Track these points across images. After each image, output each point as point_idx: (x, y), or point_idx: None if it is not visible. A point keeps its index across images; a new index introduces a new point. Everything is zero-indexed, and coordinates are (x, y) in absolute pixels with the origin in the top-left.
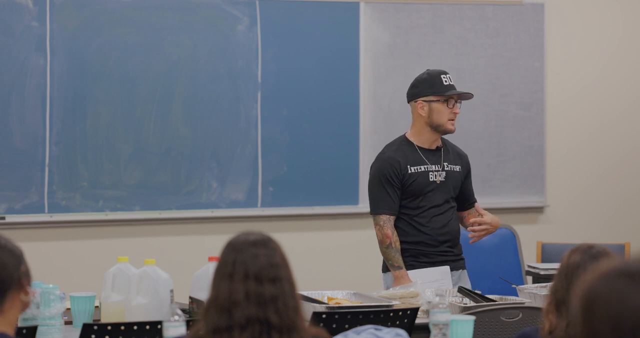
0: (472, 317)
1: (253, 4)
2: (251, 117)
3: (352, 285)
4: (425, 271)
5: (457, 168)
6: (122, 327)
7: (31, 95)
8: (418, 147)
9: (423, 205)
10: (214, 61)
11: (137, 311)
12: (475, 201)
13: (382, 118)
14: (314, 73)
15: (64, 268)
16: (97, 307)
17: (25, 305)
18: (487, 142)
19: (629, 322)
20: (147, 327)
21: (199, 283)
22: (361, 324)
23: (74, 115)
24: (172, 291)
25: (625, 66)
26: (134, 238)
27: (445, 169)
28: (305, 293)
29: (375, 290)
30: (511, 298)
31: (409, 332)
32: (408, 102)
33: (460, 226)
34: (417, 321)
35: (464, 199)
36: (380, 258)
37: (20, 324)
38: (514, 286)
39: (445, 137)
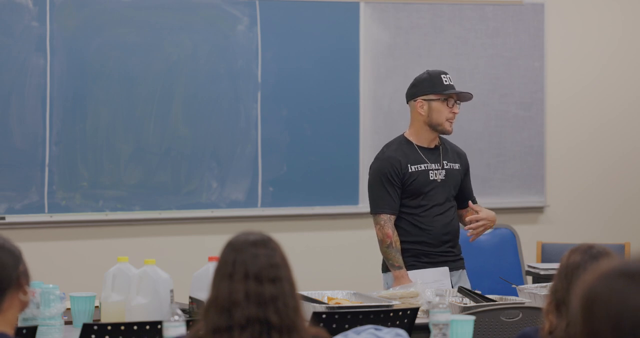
0: (472, 317)
1: (253, 4)
2: (251, 117)
3: (352, 285)
4: (425, 272)
5: (457, 166)
6: (122, 327)
7: (31, 95)
8: (417, 146)
9: (424, 204)
10: (214, 61)
11: (137, 311)
12: (475, 199)
13: (382, 118)
14: (314, 73)
15: (64, 268)
16: (97, 307)
17: (24, 305)
18: (487, 142)
19: (629, 322)
20: (147, 327)
21: (199, 283)
22: (361, 324)
23: (74, 115)
24: (172, 291)
25: (625, 66)
26: (134, 238)
27: (445, 167)
28: (305, 293)
29: (375, 290)
30: (511, 298)
31: (409, 332)
32: (407, 102)
33: (460, 225)
34: (417, 321)
35: (464, 198)
36: (380, 258)
37: (20, 324)
38: (514, 286)
39: (445, 136)
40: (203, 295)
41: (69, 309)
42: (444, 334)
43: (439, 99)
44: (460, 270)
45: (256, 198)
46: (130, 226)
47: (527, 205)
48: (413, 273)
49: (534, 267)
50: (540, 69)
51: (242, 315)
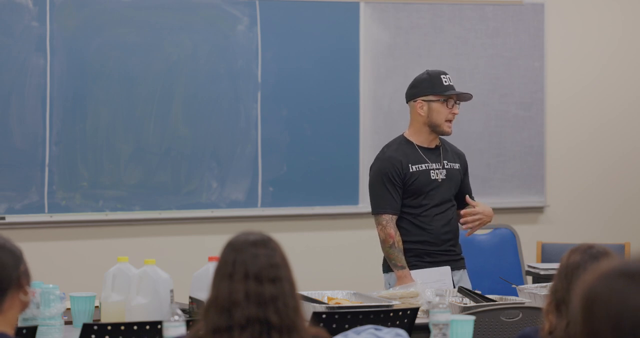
0: (472, 317)
1: (253, 4)
2: (251, 117)
3: (352, 285)
4: (426, 271)
5: (457, 166)
6: (122, 327)
7: (31, 95)
8: (418, 146)
9: (425, 204)
10: (214, 61)
11: (137, 311)
12: (473, 199)
13: (382, 118)
14: (314, 73)
15: (64, 268)
16: (97, 307)
17: (24, 305)
18: (487, 142)
19: (629, 322)
20: (147, 327)
21: (199, 283)
22: (361, 324)
23: (74, 115)
24: (172, 291)
25: (625, 66)
26: (134, 238)
27: (446, 166)
28: (305, 293)
29: (375, 290)
30: (511, 298)
31: (409, 332)
32: (407, 102)
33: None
34: (417, 321)
35: (463, 198)
36: (380, 258)
37: (20, 324)
38: (514, 286)
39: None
40: (203, 295)
41: (69, 309)
42: (444, 334)
43: (438, 100)
44: (462, 270)
45: (256, 198)
46: (130, 226)
47: (527, 205)
48: (414, 273)
49: (534, 267)
50: (540, 69)
51: (242, 315)
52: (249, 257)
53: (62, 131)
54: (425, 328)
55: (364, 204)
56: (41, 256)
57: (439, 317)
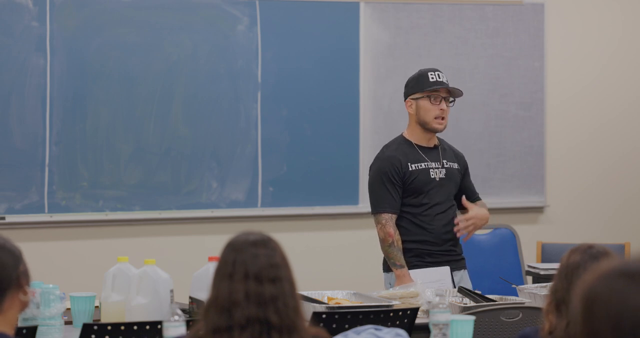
0: (472, 317)
1: (253, 4)
2: (251, 117)
3: (352, 285)
4: (426, 271)
5: (456, 165)
6: (122, 327)
7: (31, 95)
8: (416, 145)
9: (426, 203)
10: (214, 61)
11: (137, 311)
12: (479, 197)
13: (382, 118)
14: (314, 73)
15: (64, 268)
16: (97, 307)
17: (24, 305)
18: (487, 142)
19: (629, 322)
20: (147, 327)
21: (199, 283)
22: (361, 324)
23: (74, 115)
24: (172, 291)
25: (625, 66)
26: (134, 238)
27: (445, 166)
28: (305, 293)
29: (376, 290)
30: (511, 298)
31: (409, 332)
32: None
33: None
34: (417, 321)
35: (467, 197)
36: (380, 258)
37: (20, 324)
38: (514, 286)
39: (444, 137)
40: (203, 295)
41: (69, 309)
42: (444, 334)
43: (423, 97)
44: (462, 270)
45: (256, 198)
46: (130, 226)
47: (527, 205)
48: (414, 273)
49: (534, 267)
50: (540, 69)
51: (242, 315)
52: (249, 257)
53: (62, 131)
54: (425, 328)
55: (364, 204)
56: (41, 256)
57: (439, 317)
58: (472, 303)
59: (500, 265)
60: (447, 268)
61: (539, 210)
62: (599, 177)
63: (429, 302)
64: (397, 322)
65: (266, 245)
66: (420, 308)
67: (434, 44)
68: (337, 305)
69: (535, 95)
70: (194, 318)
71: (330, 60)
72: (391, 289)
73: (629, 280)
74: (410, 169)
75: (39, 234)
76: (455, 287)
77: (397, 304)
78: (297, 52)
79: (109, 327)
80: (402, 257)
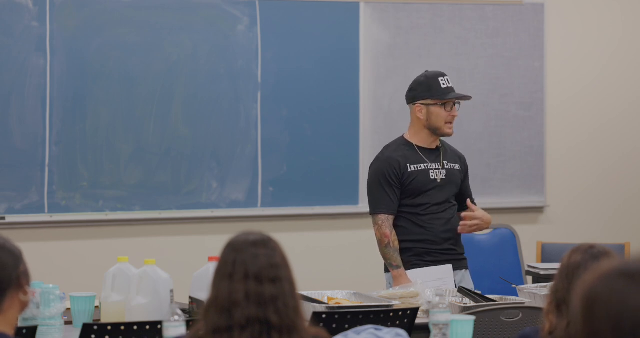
0: (472, 317)
1: (253, 4)
2: (251, 117)
3: (352, 285)
4: (427, 270)
5: (457, 166)
6: (122, 327)
7: (31, 95)
8: (417, 146)
9: (425, 203)
10: (214, 61)
11: (137, 311)
12: (474, 201)
13: (382, 118)
14: (314, 73)
15: (64, 268)
16: (97, 307)
17: (24, 305)
18: (487, 142)
19: (629, 322)
20: (147, 327)
21: (199, 283)
22: (361, 324)
23: (74, 115)
24: (172, 291)
25: (625, 66)
26: (134, 238)
27: (446, 167)
28: (305, 293)
29: (376, 290)
30: (511, 298)
31: (409, 332)
32: (407, 103)
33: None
34: (417, 321)
35: (463, 200)
36: (381, 258)
37: (20, 324)
38: (514, 286)
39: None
40: (203, 295)
41: (69, 309)
42: (444, 334)
43: (436, 104)
44: (464, 270)
45: (256, 198)
46: (130, 226)
47: (527, 205)
48: (416, 272)
49: (534, 267)
50: (540, 69)
51: (242, 315)
52: (249, 257)
53: (62, 131)
54: (425, 328)
55: (364, 204)
56: (41, 256)
57: (439, 317)
58: (472, 303)
59: (500, 265)
60: (449, 267)
61: (539, 210)
62: (599, 177)
63: (429, 302)
64: (397, 322)
65: (266, 245)
66: (420, 308)
67: (434, 44)
68: (337, 305)
69: (535, 95)
70: (194, 318)
71: (330, 60)
72: (391, 289)
73: (629, 280)
74: (410, 169)
75: (39, 234)
76: (456, 286)
77: (397, 304)
78: (297, 52)
79: (109, 327)
80: (399, 257)
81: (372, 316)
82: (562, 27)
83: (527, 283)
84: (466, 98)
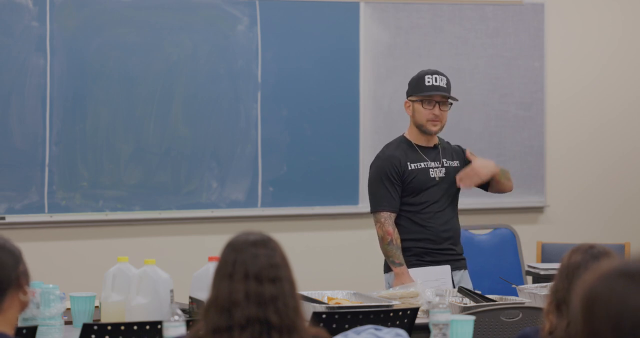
0: (472, 317)
1: (253, 4)
2: (251, 117)
3: (352, 285)
4: (426, 270)
5: (456, 163)
6: (122, 327)
7: (31, 95)
8: (416, 145)
9: (425, 201)
10: (214, 61)
11: (137, 311)
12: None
13: (382, 118)
14: (314, 73)
15: (64, 268)
16: (97, 307)
17: (24, 305)
18: (487, 142)
19: (629, 322)
20: (147, 327)
21: (199, 283)
22: (361, 324)
23: (74, 115)
24: (172, 291)
25: (625, 66)
26: (134, 238)
27: (445, 165)
28: (305, 293)
29: (376, 290)
30: (511, 298)
31: (409, 332)
32: None
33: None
34: (417, 321)
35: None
36: (381, 258)
37: (20, 324)
38: (514, 286)
39: (443, 136)
40: (203, 295)
41: (69, 309)
42: (444, 334)
43: (418, 100)
44: (462, 270)
45: (256, 198)
46: (130, 226)
47: (527, 205)
48: (414, 271)
49: (534, 267)
50: (540, 69)
51: (242, 315)
52: (249, 257)
53: (62, 131)
54: (425, 328)
55: (364, 204)
56: (41, 256)
57: (439, 317)
58: (472, 303)
59: (500, 265)
60: (447, 267)
61: (539, 210)
62: (599, 177)
63: (429, 302)
64: (397, 322)
65: (266, 245)
66: (420, 308)
67: (434, 44)
68: (337, 305)
69: (535, 95)
70: (194, 318)
71: (330, 60)
72: (391, 289)
73: (629, 280)
74: (410, 168)
75: (39, 234)
76: (454, 286)
77: (397, 304)
78: (297, 52)
79: (109, 327)
80: (401, 255)
81: (372, 316)
82: (562, 27)
83: (527, 283)
84: (445, 96)
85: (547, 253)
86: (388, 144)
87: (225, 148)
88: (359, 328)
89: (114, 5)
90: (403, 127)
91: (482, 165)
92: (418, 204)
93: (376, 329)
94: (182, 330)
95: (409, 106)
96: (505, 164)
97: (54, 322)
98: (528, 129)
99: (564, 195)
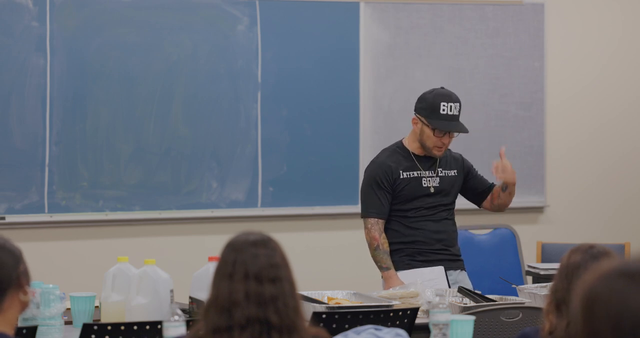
0: (472, 317)
1: (253, 4)
2: (251, 117)
3: (352, 285)
4: (419, 271)
5: (453, 172)
6: (122, 327)
7: (31, 95)
8: (413, 153)
9: (417, 207)
10: (214, 61)
11: (137, 311)
12: (493, 184)
13: (382, 118)
14: (314, 73)
15: (64, 268)
16: (97, 307)
17: (24, 305)
18: (487, 142)
19: (629, 322)
20: (147, 327)
21: (199, 283)
22: (361, 324)
23: (74, 115)
24: (172, 291)
25: (625, 66)
26: (134, 238)
27: (440, 174)
28: (305, 293)
29: (376, 290)
30: (511, 298)
31: (409, 332)
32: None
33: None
34: (417, 321)
35: (482, 191)
36: None
37: (20, 324)
38: (514, 286)
39: None
40: (203, 295)
41: (69, 309)
42: (444, 334)
43: (429, 127)
44: (459, 271)
45: (256, 198)
46: (130, 226)
47: (527, 205)
48: (408, 273)
49: (534, 267)
50: (540, 69)
51: (242, 315)
52: (249, 257)
53: (62, 131)
54: (425, 328)
55: None
56: (41, 256)
57: (439, 317)
58: (472, 303)
59: (500, 265)
60: (441, 268)
61: (539, 210)
62: (599, 177)
63: (429, 302)
64: (397, 322)
65: (266, 245)
66: (420, 308)
67: (434, 44)
68: (337, 305)
69: (535, 95)
70: (194, 318)
71: (330, 60)
72: (391, 289)
73: (629, 280)
74: (402, 176)
75: (39, 234)
76: (450, 286)
77: (397, 304)
78: (297, 52)
79: (109, 327)
80: (389, 259)
81: (372, 316)
82: (562, 27)
83: (527, 283)
84: (459, 131)
85: (547, 253)
86: (384, 149)
87: (225, 148)
88: (359, 328)
89: (114, 5)
90: (403, 127)
91: (513, 171)
92: (409, 210)
93: (376, 329)
94: (182, 330)
95: (417, 123)
96: None
97: (54, 322)
98: (528, 129)
99: (564, 195)
